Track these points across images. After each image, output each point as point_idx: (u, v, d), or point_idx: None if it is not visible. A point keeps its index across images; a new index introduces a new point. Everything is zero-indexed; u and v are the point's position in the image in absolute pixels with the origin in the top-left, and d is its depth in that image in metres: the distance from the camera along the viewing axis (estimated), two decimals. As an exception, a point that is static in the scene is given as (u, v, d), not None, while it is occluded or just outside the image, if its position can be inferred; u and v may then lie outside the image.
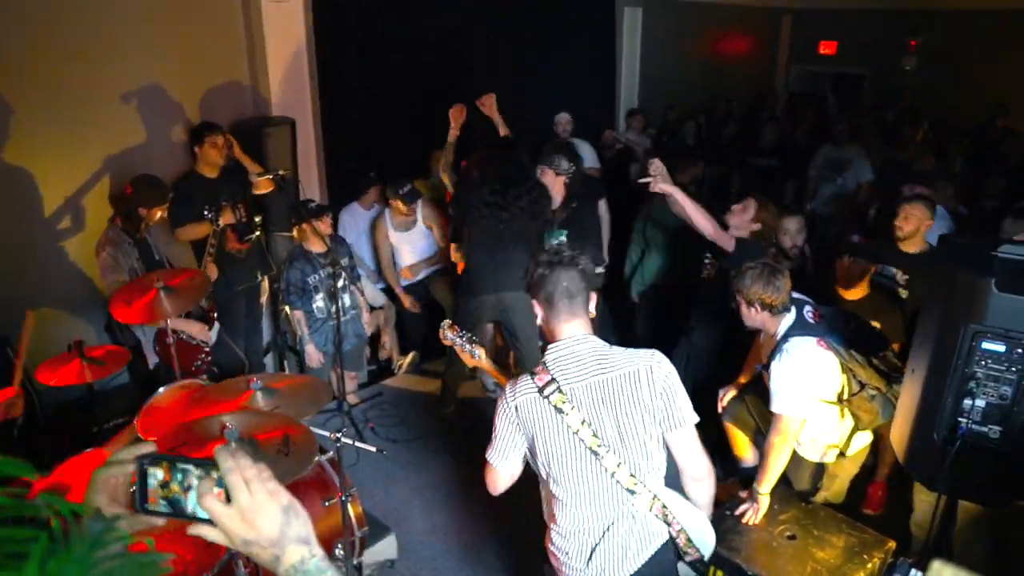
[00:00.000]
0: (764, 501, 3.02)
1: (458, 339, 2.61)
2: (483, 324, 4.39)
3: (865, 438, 3.16)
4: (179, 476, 0.93)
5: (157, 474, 0.93)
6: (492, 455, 2.12)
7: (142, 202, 3.92)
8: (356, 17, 5.78)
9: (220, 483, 0.91)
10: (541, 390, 2.01)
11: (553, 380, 2.01)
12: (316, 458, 2.84)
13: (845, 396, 3.01)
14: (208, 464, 0.92)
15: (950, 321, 2.12)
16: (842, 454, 3.18)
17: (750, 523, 3.00)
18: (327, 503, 2.87)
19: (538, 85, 7.42)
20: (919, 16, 10.62)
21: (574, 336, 2.07)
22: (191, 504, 0.92)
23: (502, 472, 2.12)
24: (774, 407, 2.95)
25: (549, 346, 2.09)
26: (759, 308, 3.00)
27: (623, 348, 2.07)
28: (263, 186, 4.56)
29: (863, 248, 4.27)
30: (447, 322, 2.71)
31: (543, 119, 6.86)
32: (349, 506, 2.87)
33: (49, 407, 4.19)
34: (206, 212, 4.17)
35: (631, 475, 2.01)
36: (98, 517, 0.88)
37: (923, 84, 10.46)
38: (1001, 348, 2.03)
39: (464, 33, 6.71)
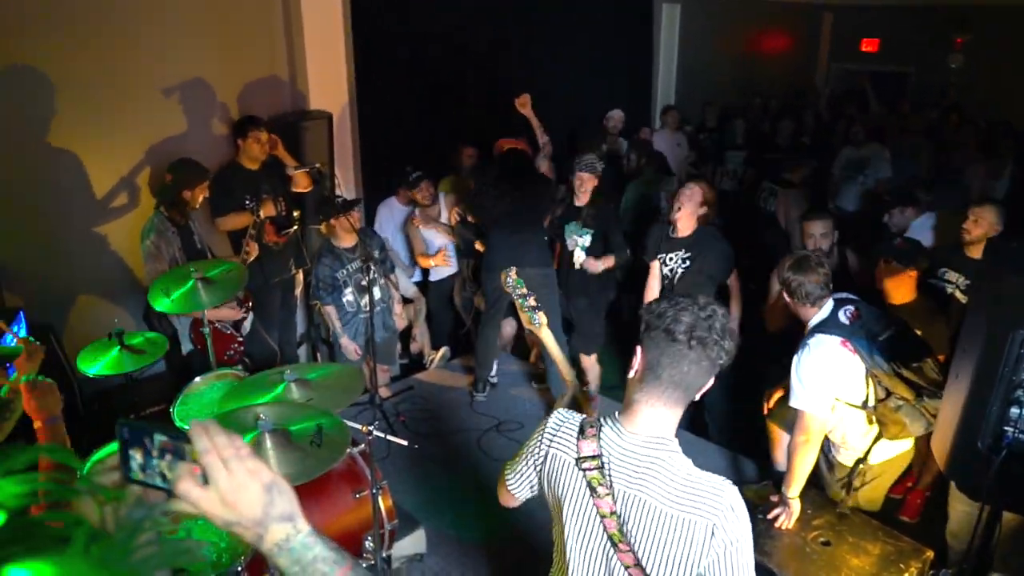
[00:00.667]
0: (795, 505, 2.97)
1: (521, 296, 2.48)
2: (504, 300, 4.41)
3: (892, 448, 3.05)
4: (155, 450, 0.89)
5: (135, 454, 0.89)
6: (509, 472, 1.91)
7: (183, 184, 3.99)
8: (394, 12, 5.81)
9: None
10: (579, 461, 1.68)
11: (598, 458, 1.66)
12: (348, 450, 2.86)
13: (870, 403, 2.93)
14: (183, 439, 0.88)
15: (998, 327, 2.05)
16: (862, 461, 3.10)
17: (783, 527, 2.96)
18: (358, 495, 2.89)
19: (575, 81, 7.40)
20: (965, 12, 10.34)
21: (652, 437, 1.64)
22: (170, 477, 0.89)
23: (513, 492, 1.91)
24: (792, 402, 2.92)
25: (616, 418, 1.71)
26: (788, 295, 2.99)
27: (697, 475, 1.61)
28: (302, 183, 4.61)
29: (905, 251, 4.17)
30: (514, 270, 2.63)
31: (579, 115, 6.84)
32: (380, 499, 2.88)
33: (89, 394, 4.30)
34: (247, 202, 4.23)
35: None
36: (139, 504, 0.89)
37: (969, 83, 10.19)
38: (1051, 355, 1.97)
39: (501, 28, 6.72)
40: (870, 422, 2.99)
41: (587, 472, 1.66)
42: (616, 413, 1.72)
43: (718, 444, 4.35)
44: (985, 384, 2.08)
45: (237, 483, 0.87)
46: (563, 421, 1.77)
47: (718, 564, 1.57)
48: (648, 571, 1.62)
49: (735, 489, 1.61)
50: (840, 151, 6.77)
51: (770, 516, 2.98)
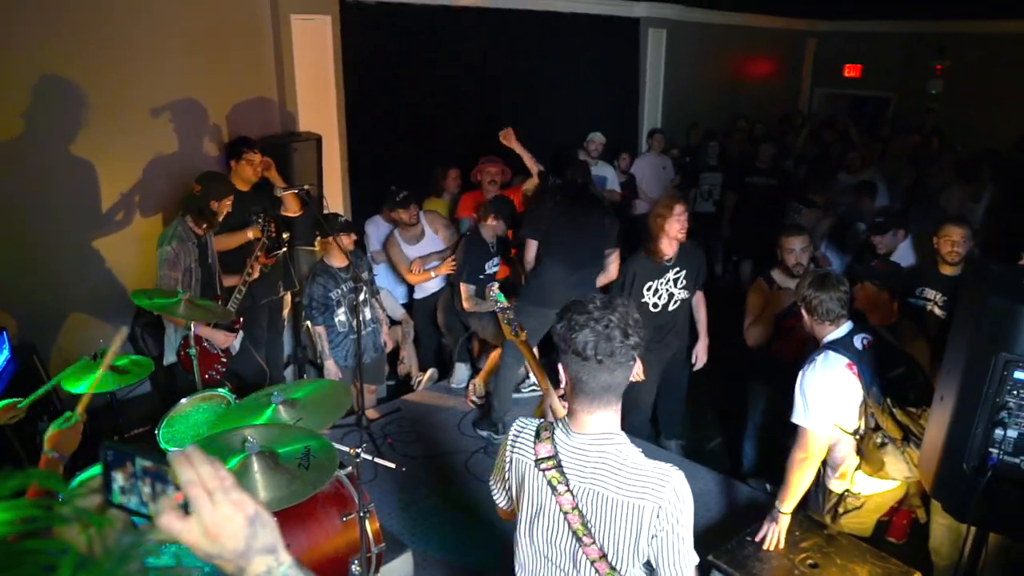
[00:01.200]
0: (784, 521, 2.95)
1: (502, 309, 2.51)
2: (539, 338, 4.36)
3: (879, 483, 3.03)
4: (139, 475, 0.87)
5: (118, 477, 0.88)
6: (492, 482, 2.03)
7: (212, 195, 3.98)
8: (383, 36, 5.86)
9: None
10: (538, 462, 1.80)
11: (554, 458, 1.78)
12: (335, 473, 2.84)
13: (859, 432, 2.93)
14: (165, 468, 0.87)
15: (981, 348, 2.07)
16: (847, 490, 3.10)
17: (771, 547, 2.94)
18: (345, 518, 2.86)
19: (562, 105, 7.46)
20: (946, 39, 10.56)
21: (598, 433, 1.77)
22: (146, 505, 0.87)
23: (500, 505, 2.04)
24: (794, 418, 2.91)
25: (562, 425, 1.83)
26: (806, 311, 3.00)
27: (643, 463, 1.74)
28: (292, 207, 4.61)
29: (883, 273, 4.24)
30: (496, 285, 2.67)
31: (566, 138, 6.89)
32: (367, 522, 2.86)
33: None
34: (255, 218, 4.24)
35: (612, 568, 1.79)
36: (127, 530, 0.87)
37: (949, 108, 10.38)
38: (1034, 378, 1.99)
39: (489, 52, 6.78)
40: (856, 453, 3.00)
41: (546, 472, 1.79)
42: (566, 417, 1.84)
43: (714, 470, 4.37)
44: (969, 406, 2.10)
45: (221, 515, 0.86)
46: (522, 428, 1.90)
47: (661, 543, 1.73)
48: (611, 561, 1.76)
49: (680, 474, 1.75)
50: (835, 177, 6.84)
51: (758, 537, 2.97)
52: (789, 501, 2.94)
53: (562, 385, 1.82)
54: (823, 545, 2.97)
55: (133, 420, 4.01)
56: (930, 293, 3.90)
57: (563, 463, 1.78)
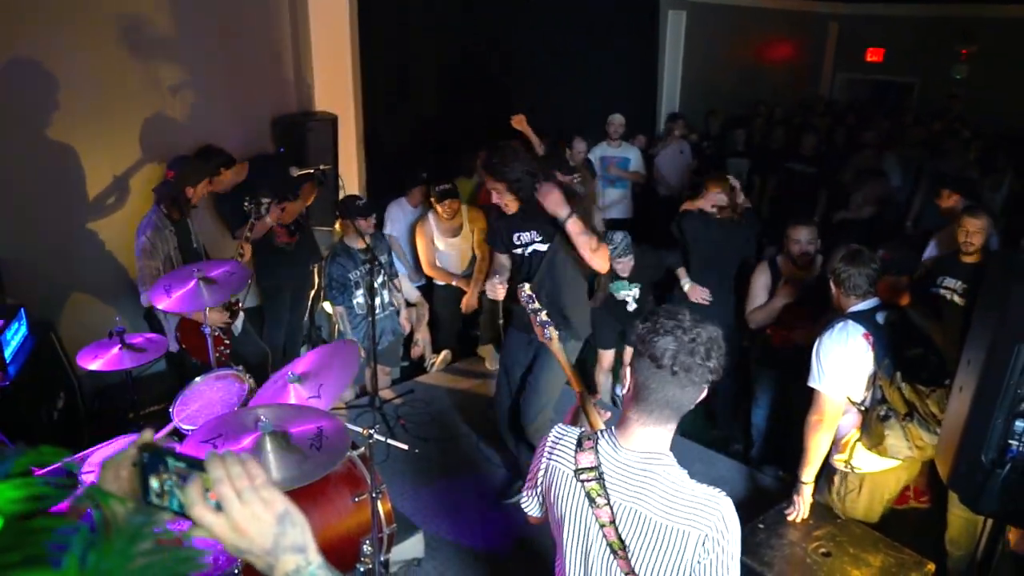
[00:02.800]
0: (806, 491, 3.02)
1: (534, 310, 2.49)
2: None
3: (878, 461, 3.02)
4: (174, 476, 0.90)
5: (157, 471, 0.91)
6: (526, 488, 1.94)
7: (186, 180, 3.96)
8: (399, 14, 5.82)
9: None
10: (577, 472, 1.72)
11: (596, 469, 1.70)
12: (348, 453, 2.85)
13: (865, 404, 2.95)
14: (198, 468, 0.89)
15: (1003, 339, 2.04)
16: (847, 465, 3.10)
17: (797, 519, 3.02)
18: (357, 499, 2.87)
19: (580, 86, 7.40)
20: (971, 23, 10.35)
21: (646, 452, 1.67)
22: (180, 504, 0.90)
23: (529, 512, 1.96)
24: (810, 381, 2.96)
25: (613, 432, 1.73)
26: (835, 284, 3.07)
27: (691, 487, 1.64)
28: (308, 193, 4.59)
29: (891, 263, 4.19)
30: (527, 285, 2.65)
31: (583, 120, 6.84)
32: (379, 503, 2.87)
33: (89, 392, 4.29)
34: (246, 204, 4.22)
35: None
36: (139, 510, 0.88)
37: (974, 94, 10.20)
38: (1057, 369, 1.96)
39: (507, 32, 6.72)
40: (859, 428, 3.00)
41: (585, 483, 1.70)
42: (613, 427, 1.75)
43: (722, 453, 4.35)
44: (990, 397, 2.08)
45: (250, 513, 0.88)
46: (561, 435, 1.81)
47: (705, 570, 1.63)
48: (649, 566, 1.66)
49: (728, 500, 1.65)
50: (850, 159, 6.77)
51: (788, 512, 3.03)
52: (809, 469, 3.01)
53: (625, 388, 1.73)
54: (836, 534, 2.96)
55: (148, 397, 4.03)
56: (951, 282, 3.90)
57: (605, 477, 1.69)
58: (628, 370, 1.70)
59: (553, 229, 3.37)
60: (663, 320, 1.63)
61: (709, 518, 1.60)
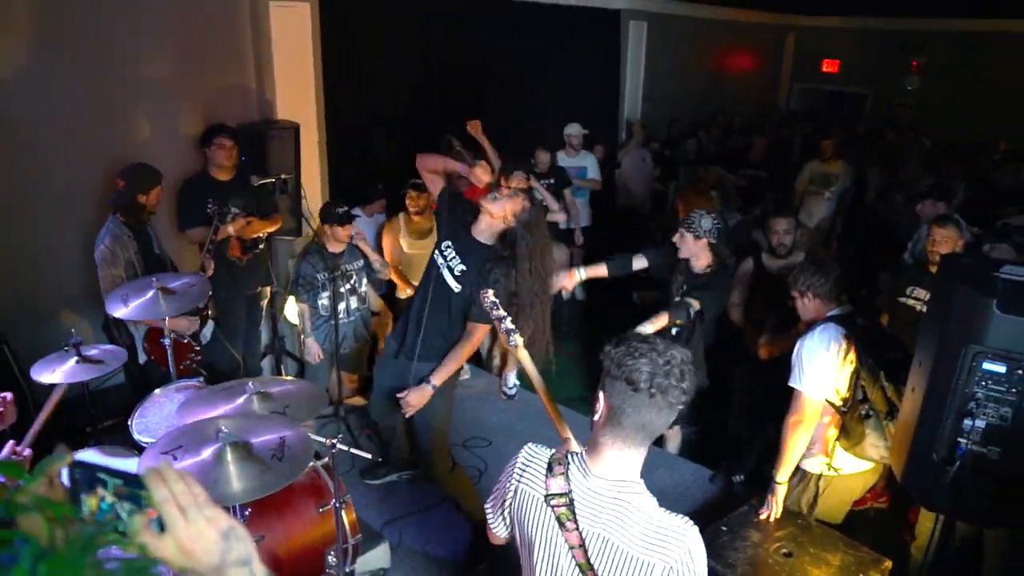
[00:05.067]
0: (780, 491, 3.07)
1: (499, 317, 2.47)
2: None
3: (855, 463, 3.11)
4: (111, 496, 0.88)
5: (91, 490, 0.89)
6: (488, 509, 1.93)
7: (137, 188, 3.91)
8: (363, 22, 5.80)
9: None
10: (548, 498, 1.71)
11: (567, 495, 1.69)
12: (311, 463, 2.82)
13: (846, 405, 3.00)
14: (136, 483, 0.88)
15: (951, 340, 2.11)
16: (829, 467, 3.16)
17: (770, 518, 3.07)
18: (321, 509, 2.85)
19: (542, 95, 7.45)
20: (923, 36, 10.68)
21: (617, 480, 1.67)
22: (124, 523, 0.88)
23: (495, 531, 1.94)
24: (791, 381, 3.00)
25: (583, 458, 1.72)
26: (812, 294, 3.14)
27: (659, 518, 1.65)
28: (267, 226, 4.58)
29: None
30: (491, 291, 2.61)
31: (546, 129, 6.89)
32: (343, 513, 2.85)
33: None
34: (209, 208, 4.18)
35: None
36: (90, 520, 0.86)
37: (925, 105, 10.51)
38: (1002, 369, 2.03)
39: (470, 42, 6.75)
40: (837, 427, 3.06)
41: (555, 508, 1.70)
42: (583, 453, 1.74)
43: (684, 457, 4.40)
44: (939, 397, 2.14)
45: (196, 532, 0.88)
46: (532, 458, 1.80)
47: None
48: None
49: (695, 532, 1.65)
50: (804, 166, 6.92)
51: (762, 514, 3.09)
52: (784, 469, 3.06)
53: (596, 413, 1.70)
54: (797, 535, 3.02)
55: (106, 411, 3.94)
56: (920, 293, 3.88)
57: (576, 503, 1.68)
58: (600, 395, 1.68)
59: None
60: (637, 344, 1.63)
61: (676, 550, 1.61)
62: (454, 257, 3.25)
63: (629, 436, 1.63)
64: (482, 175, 3.20)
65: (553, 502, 1.69)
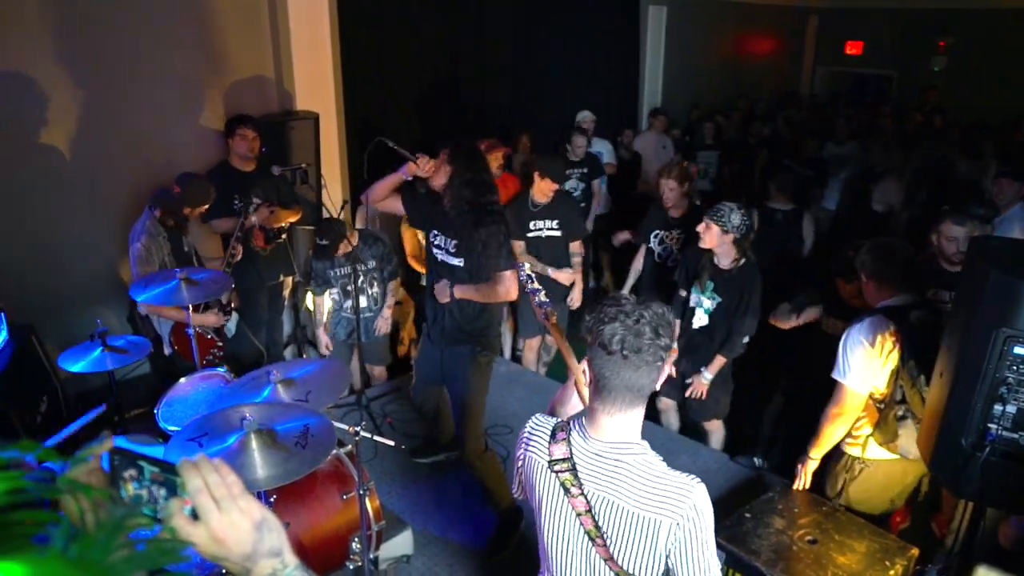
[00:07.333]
0: (811, 464, 3.12)
1: (533, 290, 2.48)
2: None
3: (888, 455, 3.02)
4: (147, 482, 0.90)
5: (128, 477, 0.91)
6: (516, 475, 1.95)
7: (189, 201, 3.96)
8: (381, 12, 5.80)
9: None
10: (551, 464, 1.74)
11: (569, 460, 1.72)
12: (334, 451, 2.84)
13: (884, 402, 2.91)
14: (172, 471, 0.89)
15: (981, 324, 2.07)
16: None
17: (801, 487, 3.12)
18: (345, 496, 2.87)
19: (561, 82, 7.40)
20: (948, 16, 10.45)
21: (616, 441, 1.69)
22: (159, 508, 0.90)
23: (516, 493, 1.99)
24: (834, 373, 2.93)
25: (583, 423, 1.75)
26: (866, 276, 3.02)
27: (665, 475, 1.66)
28: (290, 216, 4.58)
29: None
30: (528, 264, 2.62)
31: (565, 116, 6.85)
32: (367, 500, 2.86)
33: (72, 395, 4.25)
34: (236, 203, 4.21)
35: (628, 573, 1.73)
36: (121, 502, 0.87)
37: (952, 86, 10.30)
38: (1034, 353, 1.99)
39: (490, 29, 6.71)
40: (872, 420, 3.00)
41: (559, 474, 1.73)
42: (583, 418, 1.76)
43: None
44: (969, 381, 2.10)
45: (229, 522, 0.89)
46: (537, 425, 1.84)
47: (680, 556, 1.65)
48: (620, 564, 1.71)
49: (701, 487, 1.66)
50: (821, 148, 6.87)
51: (795, 484, 3.14)
52: (820, 448, 3.08)
53: (586, 380, 1.74)
54: (822, 521, 2.99)
55: (132, 401, 4.00)
56: (944, 295, 3.54)
57: (578, 468, 1.71)
58: (586, 363, 1.71)
59: None
60: (606, 308, 1.65)
61: (680, 506, 1.62)
62: (444, 239, 3.39)
63: (617, 399, 1.65)
64: (424, 164, 3.30)
65: (556, 468, 1.73)
